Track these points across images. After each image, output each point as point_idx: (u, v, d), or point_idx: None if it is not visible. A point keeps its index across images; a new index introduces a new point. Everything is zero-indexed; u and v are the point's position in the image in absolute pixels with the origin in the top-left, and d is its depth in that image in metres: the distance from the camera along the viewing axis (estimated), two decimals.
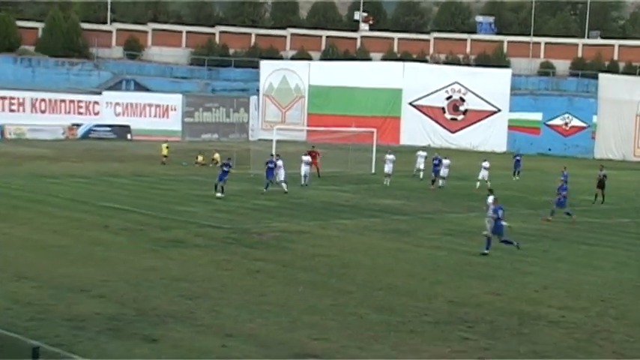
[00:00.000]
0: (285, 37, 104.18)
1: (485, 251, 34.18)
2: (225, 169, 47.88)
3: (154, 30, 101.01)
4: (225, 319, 23.29)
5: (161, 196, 47.19)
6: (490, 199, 37.70)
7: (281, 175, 50.43)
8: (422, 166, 63.33)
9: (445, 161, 58.17)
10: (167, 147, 67.30)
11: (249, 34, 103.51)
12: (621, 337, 23.46)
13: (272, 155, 52.67)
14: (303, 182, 54.13)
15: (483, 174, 57.61)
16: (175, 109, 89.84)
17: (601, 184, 52.24)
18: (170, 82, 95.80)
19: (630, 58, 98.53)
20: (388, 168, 57.89)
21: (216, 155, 66.28)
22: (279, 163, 50.52)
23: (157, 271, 28.57)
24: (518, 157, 66.77)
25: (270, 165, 50.30)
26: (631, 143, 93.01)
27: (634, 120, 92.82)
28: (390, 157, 58.16)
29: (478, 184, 56.20)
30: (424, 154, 64.45)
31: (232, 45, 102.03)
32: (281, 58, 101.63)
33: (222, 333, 21.95)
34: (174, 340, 21.19)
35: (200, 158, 66.46)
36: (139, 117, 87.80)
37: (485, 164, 57.80)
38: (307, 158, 55.52)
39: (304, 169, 54.73)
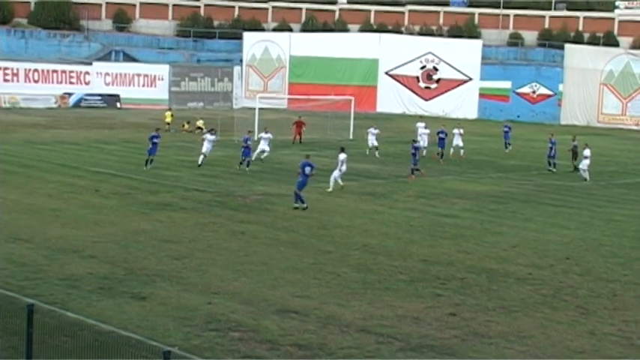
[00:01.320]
0: (266, 9, 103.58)
1: (296, 205, 34.43)
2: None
3: (141, 3, 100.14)
4: (210, 277, 23.34)
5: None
6: (341, 155, 39.62)
7: (265, 147, 49.11)
8: (425, 143, 55.77)
9: (457, 131, 55.90)
10: (172, 115, 67.60)
11: (233, 6, 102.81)
12: (585, 292, 23.65)
13: (249, 132, 48.70)
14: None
15: (457, 140, 56.15)
16: (162, 79, 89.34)
17: (574, 155, 50.54)
18: (157, 53, 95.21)
19: (594, 29, 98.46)
20: (372, 141, 55.33)
21: (200, 122, 66.14)
22: (267, 135, 49.96)
23: (145, 233, 28.55)
24: (506, 128, 63.31)
25: (245, 144, 45.58)
26: (595, 110, 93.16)
27: (598, 88, 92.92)
28: (375, 130, 56.06)
29: (452, 150, 55.62)
30: (426, 130, 58.14)
31: (216, 17, 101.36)
32: (263, 29, 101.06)
33: (208, 291, 22.00)
34: (162, 297, 21.22)
35: (186, 126, 66.29)
36: (128, 86, 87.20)
37: (459, 131, 56.80)
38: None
39: None
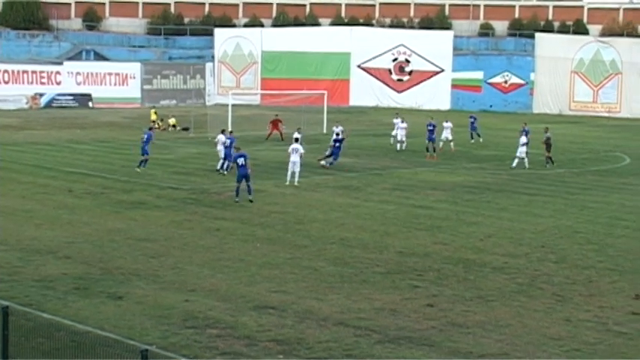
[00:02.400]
0: (237, 5, 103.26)
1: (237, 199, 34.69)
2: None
3: (111, 1, 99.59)
4: (187, 275, 23.28)
5: (123, 161, 46.80)
6: (296, 145, 39.91)
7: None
8: (403, 138, 55.45)
9: (447, 124, 55.51)
10: (155, 112, 67.68)
11: (203, 3, 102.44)
12: (560, 280, 23.79)
13: (223, 131, 45.19)
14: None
15: (446, 134, 55.29)
16: (134, 77, 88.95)
17: (548, 147, 48.61)
18: (128, 51, 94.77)
19: (564, 18, 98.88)
20: (401, 135, 54.93)
21: (172, 120, 65.98)
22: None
23: (120, 232, 28.44)
24: (472, 119, 62.72)
25: (227, 145, 42.63)
26: (566, 98, 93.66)
27: (569, 76, 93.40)
28: (403, 124, 55.40)
29: (442, 143, 54.84)
30: (403, 124, 56.35)
31: (187, 14, 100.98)
32: (234, 25, 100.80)
33: (185, 289, 21.95)
34: (138, 296, 21.14)
35: (160, 123, 66.07)
36: (100, 85, 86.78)
37: (448, 124, 55.64)
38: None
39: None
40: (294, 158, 39.60)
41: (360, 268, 24.57)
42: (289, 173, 39.63)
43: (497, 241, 28.74)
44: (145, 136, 43.48)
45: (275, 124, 59.48)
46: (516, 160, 47.49)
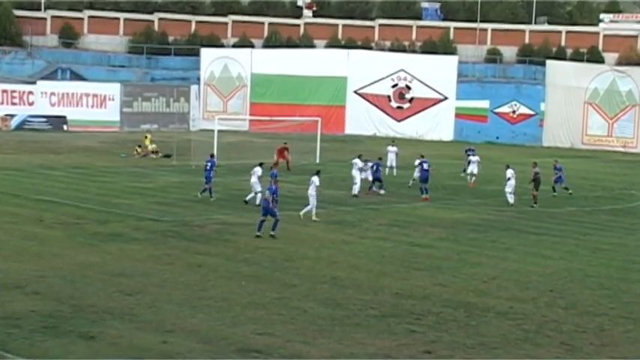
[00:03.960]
0: (226, 23, 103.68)
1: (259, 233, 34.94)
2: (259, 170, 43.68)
3: (90, 17, 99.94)
4: (165, 314, 23.22)
5: (98, 189, 46.81)
6: (315, 179, 39.99)
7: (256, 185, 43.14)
8: (393, 163, 58.16)
9: (474, 158, 56.30)
10: (148, 138, 67.45)
11: (189, 20, 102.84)
12: (570, 328, 23.77)
13: (262, 164, 44.69)
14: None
15: (472, 167, 55.76)
16: (113, 99, 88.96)
17: (536, 183, 47.56)
18: (107, 70, 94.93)
19: (577, 44, 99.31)
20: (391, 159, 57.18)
21: (153, 146, 65.74)
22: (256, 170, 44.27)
23: (94, 267, 28.38)
24: (469, 152, 61.31)
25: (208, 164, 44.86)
26: (579, 131, 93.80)
27: (582, 107, 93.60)
28: (393, 148, 58.50)
29: (469, 177, 55.67)
30: (394, 149, 59.45)
31: (172, 32, 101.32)
32: (222, 45, 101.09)
33: (162, 329, 21.88)
34: (112, 336, 21.07)
35: (139, 149, 66.09)
36: (76, 107, 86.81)
37: (476, 157, 56.44)
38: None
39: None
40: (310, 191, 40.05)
41: (353, 310, 24.52)
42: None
43: (501, 283, 28.73)
44: (209, 164, 44.72)
45: (282, 152, 59.53)
46: (509, 197, 47.44)
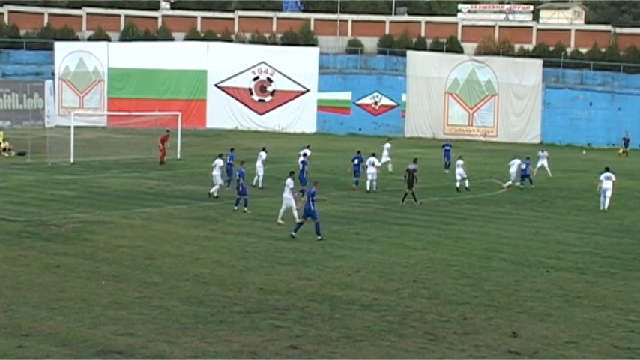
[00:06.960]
0: (80, 16, 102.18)
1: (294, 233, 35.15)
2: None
3: None
4: (21, 318, 22.77)
5: None
6: (289, 181, 38.92)
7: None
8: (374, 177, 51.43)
9: (459, 162, 52.48)
10: (2, 136, 65.68)
11: (42, 13, 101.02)
12: (433, 317, 24.16)
13: (220, 156, 47.33)
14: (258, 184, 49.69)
15: (459, 171, 51.83)
16: None
17: (410, 181, 45.57)
18: None
19: (437, 35, 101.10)
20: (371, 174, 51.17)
21: (3, 143, 64.33)
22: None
23: None
24: (447, 147, 62.54)
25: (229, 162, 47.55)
26: (441, 121, 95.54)
27: (443, 97, 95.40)
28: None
29: (466, 182, 52.66)
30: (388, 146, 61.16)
31: (23, 25, 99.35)
32: (77, 39, 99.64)
33: (18, 333, 21.45)
34: None
35: None
36: None
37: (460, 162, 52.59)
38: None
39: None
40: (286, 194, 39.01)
41: (217, 307, 24.46)
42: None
43: (366, 275, 29.03)
44: (228, 157, 48.16)
45: (163, 141, 59.68)
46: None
